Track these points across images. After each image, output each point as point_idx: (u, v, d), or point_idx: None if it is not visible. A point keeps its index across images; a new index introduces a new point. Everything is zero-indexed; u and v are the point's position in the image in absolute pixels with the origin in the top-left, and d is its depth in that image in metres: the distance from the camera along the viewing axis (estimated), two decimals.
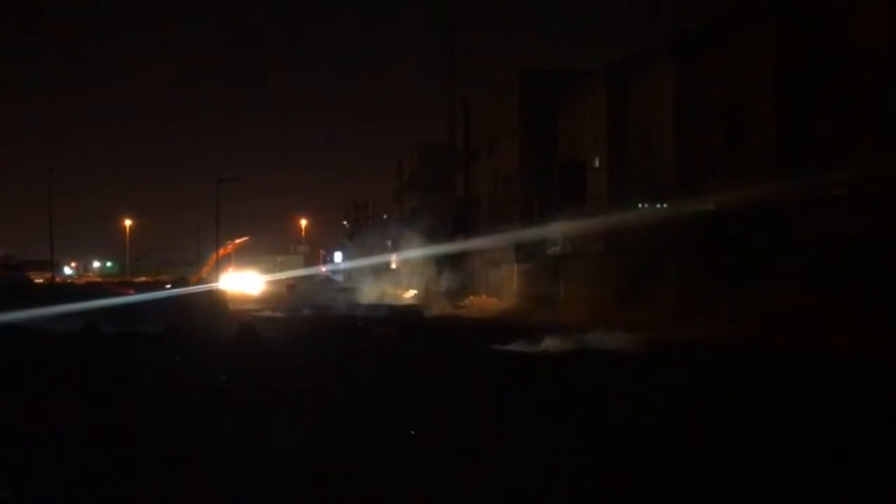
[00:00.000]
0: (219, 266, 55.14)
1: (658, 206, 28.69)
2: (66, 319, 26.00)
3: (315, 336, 24.15)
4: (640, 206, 29.70)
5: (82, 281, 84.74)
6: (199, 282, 50.58)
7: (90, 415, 11.55)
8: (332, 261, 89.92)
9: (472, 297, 45.33)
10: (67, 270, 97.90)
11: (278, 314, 37.51)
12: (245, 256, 77.17)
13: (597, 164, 33.82)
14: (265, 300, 49.50)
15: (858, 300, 19.22)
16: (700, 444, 9.49)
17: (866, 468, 8.34)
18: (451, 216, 51.67)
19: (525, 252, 39.09)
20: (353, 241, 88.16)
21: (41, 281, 58.75)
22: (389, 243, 72.52)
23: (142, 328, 25.04)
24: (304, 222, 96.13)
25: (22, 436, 10.38)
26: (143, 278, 76.18)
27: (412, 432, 10.17)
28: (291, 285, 62.11)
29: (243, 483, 8.16)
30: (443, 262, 51.61)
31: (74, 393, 13.52)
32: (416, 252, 57.82)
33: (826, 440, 9.34)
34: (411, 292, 55.32)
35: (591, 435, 10.00)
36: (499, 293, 43.92)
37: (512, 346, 19.95)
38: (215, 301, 40.85)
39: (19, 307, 25.93)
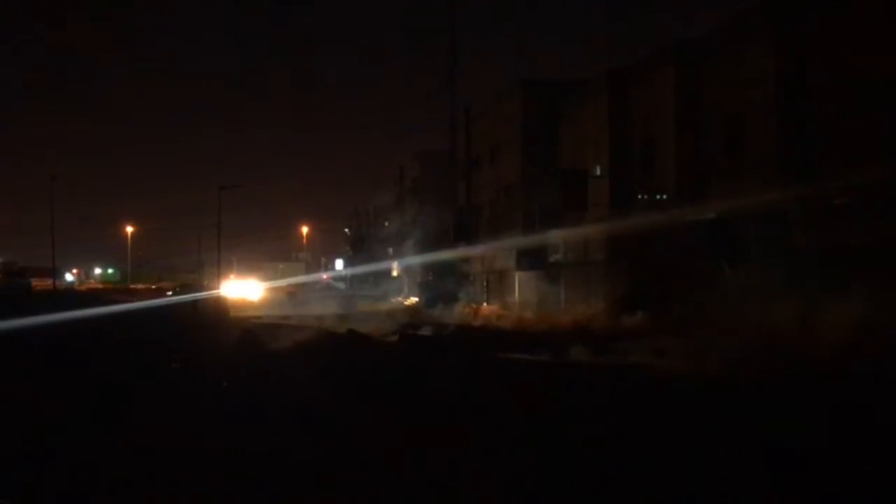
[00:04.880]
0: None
1: (659, 214, 28.71)
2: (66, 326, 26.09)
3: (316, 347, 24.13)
4: (641, 214, 29.72)
5: (83, 288, 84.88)
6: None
7: (84, 423, 11.55)
8: (333, 268, 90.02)
9: (472, 305, 45.29)
10: (69, 277, 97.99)
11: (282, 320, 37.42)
12: (246, 263, 77.34)
13: (598, 172, 33.85)
14: (266, 307, 49.52)
15: (861, 309, 19.19)
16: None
17: None
18: (452, 224, 51.66)
19: (526, 260, 39.10)
20: (355, 249, 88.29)
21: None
22: (391, 251, 72.60)
23: (143, 335, 25.10)
24: (305, 229, 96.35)
25: (20, 441, 10.42)
26: (156, 285, 76.45)
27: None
28: (292, 292, 62.18)
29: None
30: (444, 270, 51.64)
31: (68, 402, 13.52)
32: (418, 259, 57.88)
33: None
34: (412, 300, 55.35)
35: None
36: (500, 301, 43.92)
37: None
38: (217, 308, 40.97)
39: (21, 314, 25.98)
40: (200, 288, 48.86)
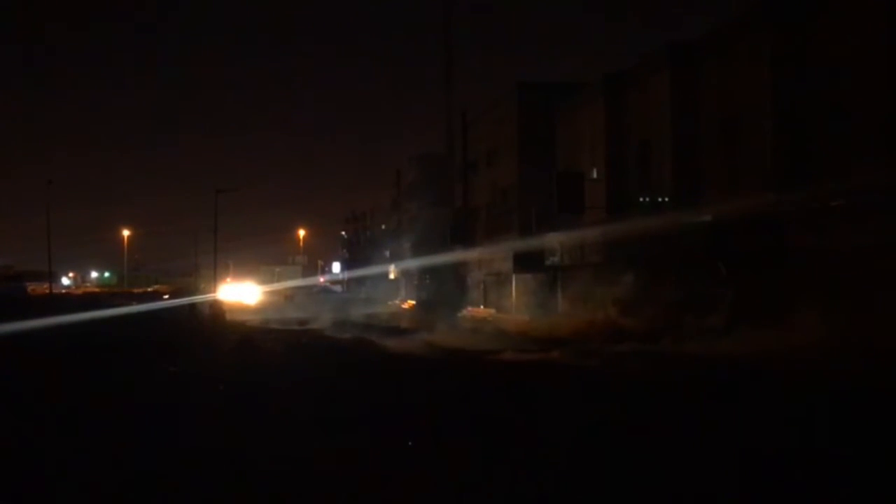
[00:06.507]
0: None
1: (656, 217, 28.76)
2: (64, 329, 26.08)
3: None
4: (638, 217, 29.75)
5: (80, 291, 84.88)
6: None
7: (83, 429, 11.55)
8: (330, 271, 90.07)
9: (469, 309, 45.31)
10: (65, 281, 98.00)
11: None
12: (243, 267, 77.29)
13: (594, 175, 33.88)
14: (263, 310, 49.49)
15: (858, 312, 19.22)
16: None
17: None
18: (449, 227, 51.70)
19: (523, 263, 39.10)
20: (351, 252, 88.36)
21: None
22: (388, 254, 72.67)
23: (140, 338, 25.09)
24: (302, 233, 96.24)
25: (19, 445, 10.43)
26: (153, 289, 76.42)
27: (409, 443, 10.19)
28: (289, 296, 62.23)
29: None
30: (441, 273, 51.69)
31: (66, 406, 13.52)
32: (415, 262, 57.92)
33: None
34: (410, 302, 55.38)
35: None
36: (496, 304, 43.93)
37: None
38: (213, 312, 40.96)
39: (18, 318, 25.97)
40: (195, 292, 48.81)
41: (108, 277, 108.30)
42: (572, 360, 20.23)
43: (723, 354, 19.71)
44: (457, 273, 50.55)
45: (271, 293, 62.08)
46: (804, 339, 19.32)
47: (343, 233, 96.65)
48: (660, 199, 29.28)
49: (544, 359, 20.82)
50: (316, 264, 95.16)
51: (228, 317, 40.89)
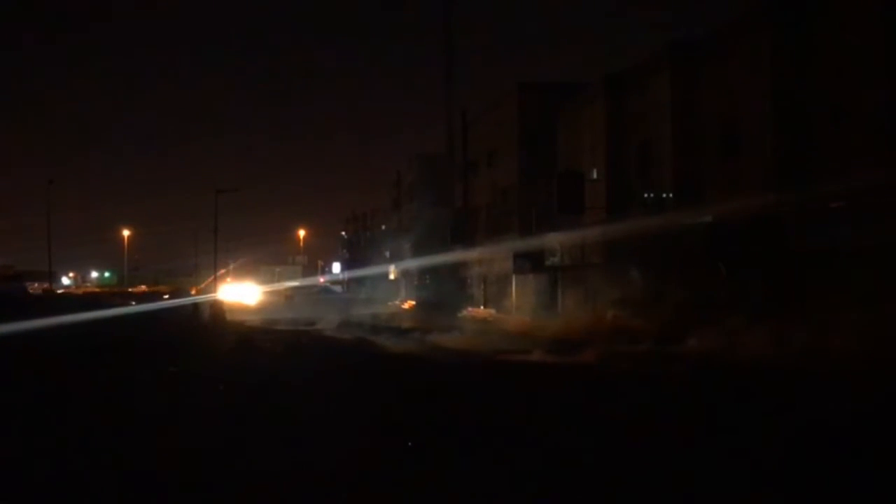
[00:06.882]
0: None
1: (656, 217, 28.74)
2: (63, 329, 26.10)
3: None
4: (638, 217, 29.74)
5: (80, 291, 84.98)
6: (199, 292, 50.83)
7: (83, 428, 11.55)
8: (330, 271, 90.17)
9: (470, 309, 45.31)
10: (66, 281, 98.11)
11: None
12: (243, 267, 77.38)
13: (595, 175, 33.88)
14: (263, 311, 49.50)
15: (859, 314, 19.20)
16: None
17: None
18: (449, 227, 51.70)
19: (523, 263, 39.10)
20: (352, 252, 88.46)
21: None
22: (388, 254, 72.75)
23: (140, 338, 25.10)
24: (302, 233, 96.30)
25: (19, 444, 10.43)
26: (153, 288, 76.56)
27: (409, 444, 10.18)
28: (289, 296, 62.29)
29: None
30: (441, 273, 51.70)
31: (66, 405, 13.53)
32: (415, 263, 57.97)
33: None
34: (410, 302, 55.39)
35: None
36: (496, 304, 43.94)
37: None
38: (213, 311, 40.97)
39: (17, 318, 26.00)
40: (190, 293, 48.90)
41: (108, 277, 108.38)
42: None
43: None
44: (457, 273, 50.54)
45: (271, 293, 62.14)
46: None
47: (343, 233, 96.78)
48: (664, 196, 29.25)
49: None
50: (316, 264, 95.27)
51: (228, 317, 40.90)
